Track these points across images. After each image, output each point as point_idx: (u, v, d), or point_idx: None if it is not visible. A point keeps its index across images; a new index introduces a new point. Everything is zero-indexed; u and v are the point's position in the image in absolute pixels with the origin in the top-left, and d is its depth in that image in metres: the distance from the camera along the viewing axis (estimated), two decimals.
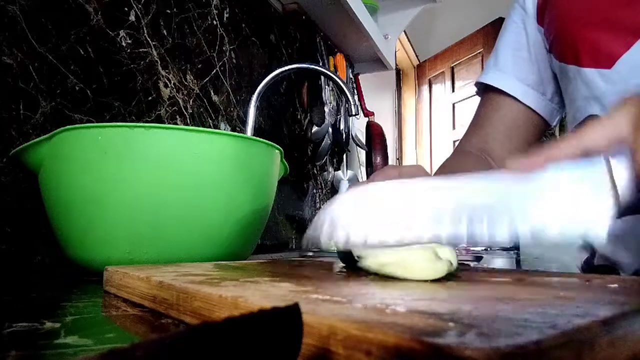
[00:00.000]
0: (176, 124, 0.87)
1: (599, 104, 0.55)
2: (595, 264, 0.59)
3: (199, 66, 0.94)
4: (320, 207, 1.52)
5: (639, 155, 0.33)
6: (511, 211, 0.34)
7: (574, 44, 0.57)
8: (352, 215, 0.36)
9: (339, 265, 0.45)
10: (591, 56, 0.55)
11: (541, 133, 0.71)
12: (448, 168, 0.69)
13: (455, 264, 0.34)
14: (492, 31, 2.66)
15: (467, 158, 0.70)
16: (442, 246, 0.35)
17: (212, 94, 0.98)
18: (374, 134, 1.73)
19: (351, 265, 0.40)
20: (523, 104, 0.68)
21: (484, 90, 0.73)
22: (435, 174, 0.69)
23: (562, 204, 0.34)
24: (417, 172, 0.48)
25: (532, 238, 0.34)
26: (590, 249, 0.63)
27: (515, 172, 0.35)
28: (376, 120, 1.88)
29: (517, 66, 0.69)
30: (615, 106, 0.36)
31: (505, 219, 0.33)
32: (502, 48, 0.71)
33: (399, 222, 0.34)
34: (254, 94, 1.04)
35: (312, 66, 1.10)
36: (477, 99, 0.76)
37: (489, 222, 0.33)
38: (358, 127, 1.70)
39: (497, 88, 0.69)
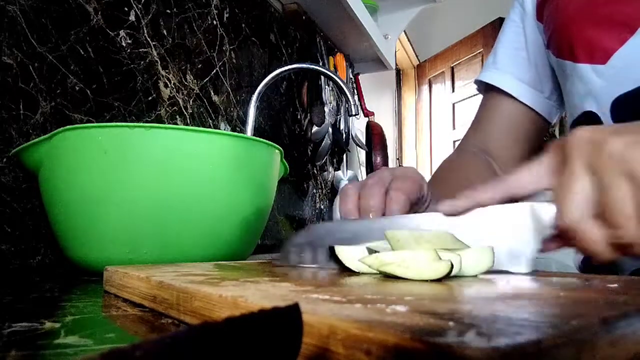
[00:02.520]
0: (176, 124, 0.87)
1: (594, 100, 0.55)
2: (593, 264, 0.59)
3: (199, 66, 0.94)
4: (320, 207, 1.52)
5: (561, 201, 0.34)
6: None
7: (570, 39, 0.57)
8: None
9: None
10: (586, 52, 0.56)
11: (541, 130, 0.71)
12: (448, 167, 0.70)
13: (456, 264, 0.34)
14: (492, 31, 2.66)
15: (467, 157, 0.70)
16: (443, 247, 0.36)
17: (212, 94, 0.98)
18: (374, 134, 1.73)
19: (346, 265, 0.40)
20: (520, 102, 0.68)
21: (485, 89, 0.73)
22: (436, 173, 0.69)
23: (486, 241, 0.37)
24: (413, 174, 0.48)
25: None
26: None
27: (444, 213, 0.39)
28: (376, 120, 1.88)
29: (515, 64, 0.69)
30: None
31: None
32: (501, 46, 0.71)
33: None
34: (254, 94, 1.04)
35: (312, 66, 1.10)
36: (477, 98, 0.76)
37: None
38: (358, 127, 1.70)
39: (495, 86, 0.69)
